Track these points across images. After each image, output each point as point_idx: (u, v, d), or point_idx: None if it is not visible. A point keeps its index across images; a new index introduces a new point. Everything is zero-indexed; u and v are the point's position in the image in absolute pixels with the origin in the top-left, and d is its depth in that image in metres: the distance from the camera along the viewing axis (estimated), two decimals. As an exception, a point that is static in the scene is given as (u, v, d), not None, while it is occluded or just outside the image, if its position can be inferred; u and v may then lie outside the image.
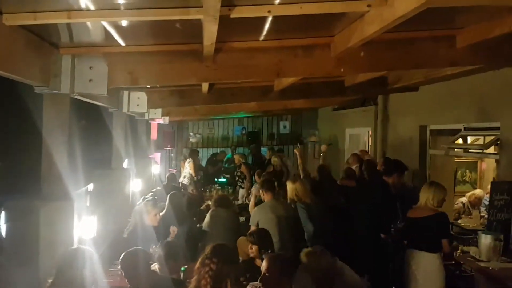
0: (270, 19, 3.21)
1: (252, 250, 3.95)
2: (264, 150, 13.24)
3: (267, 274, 3.08)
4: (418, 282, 4.40)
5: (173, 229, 4.83)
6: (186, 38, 3.65)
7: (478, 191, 7.31)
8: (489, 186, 6.50)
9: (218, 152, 12.99)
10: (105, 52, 3.70)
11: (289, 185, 5.33)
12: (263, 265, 3.14)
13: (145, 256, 3.32)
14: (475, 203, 7.04)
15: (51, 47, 3.36)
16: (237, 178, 9.73)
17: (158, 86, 6.15)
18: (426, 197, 4.48)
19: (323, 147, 8.32)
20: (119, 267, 3.36)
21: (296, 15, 2.81)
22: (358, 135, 11.14)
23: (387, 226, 5.25)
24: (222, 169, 11.83)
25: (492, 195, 5.22)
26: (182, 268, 3.80)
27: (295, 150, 8.50)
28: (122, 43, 3.56)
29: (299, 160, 7.09)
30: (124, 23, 3.06)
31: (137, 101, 5.95)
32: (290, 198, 5.32)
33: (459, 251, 4.90)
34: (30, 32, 2.94)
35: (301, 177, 6.42)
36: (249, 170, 9.54)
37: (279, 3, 2.76)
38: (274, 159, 9.58)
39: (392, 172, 5.72)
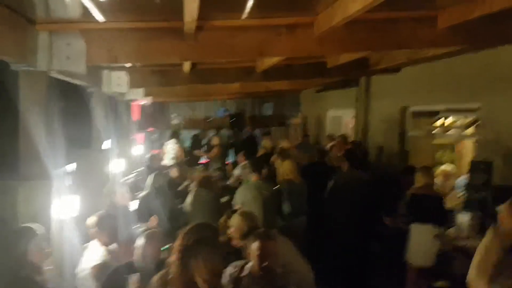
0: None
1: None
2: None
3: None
4: (410, 251, 4.89)
5: (153, 219, 4.84)
6: (167, 14, 3.57)
7: (444, 165, 7.42)
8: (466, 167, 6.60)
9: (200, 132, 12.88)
10: (83, 28, 3.60)
11: (279, 163, 5.47)
12: (256, 246, 2.91)
13: None
14: (446, 177, 7.14)
15: (28, 22, 3.26)
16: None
17: (137, 65, 6.04)
18: (425, 179, 4.93)
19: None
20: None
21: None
22: (340, 117, 11.22)
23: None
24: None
25: (470, 174, 5.32)
26: (162, 248, 3.79)
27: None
28: (100, 19, 3.47)
29: None
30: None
31: (117, 81, 5.86)
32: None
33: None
34: (6, 7, 2.84)
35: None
36: (219, 152, 9.61)
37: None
38: (265, 142, 9.64)
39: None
